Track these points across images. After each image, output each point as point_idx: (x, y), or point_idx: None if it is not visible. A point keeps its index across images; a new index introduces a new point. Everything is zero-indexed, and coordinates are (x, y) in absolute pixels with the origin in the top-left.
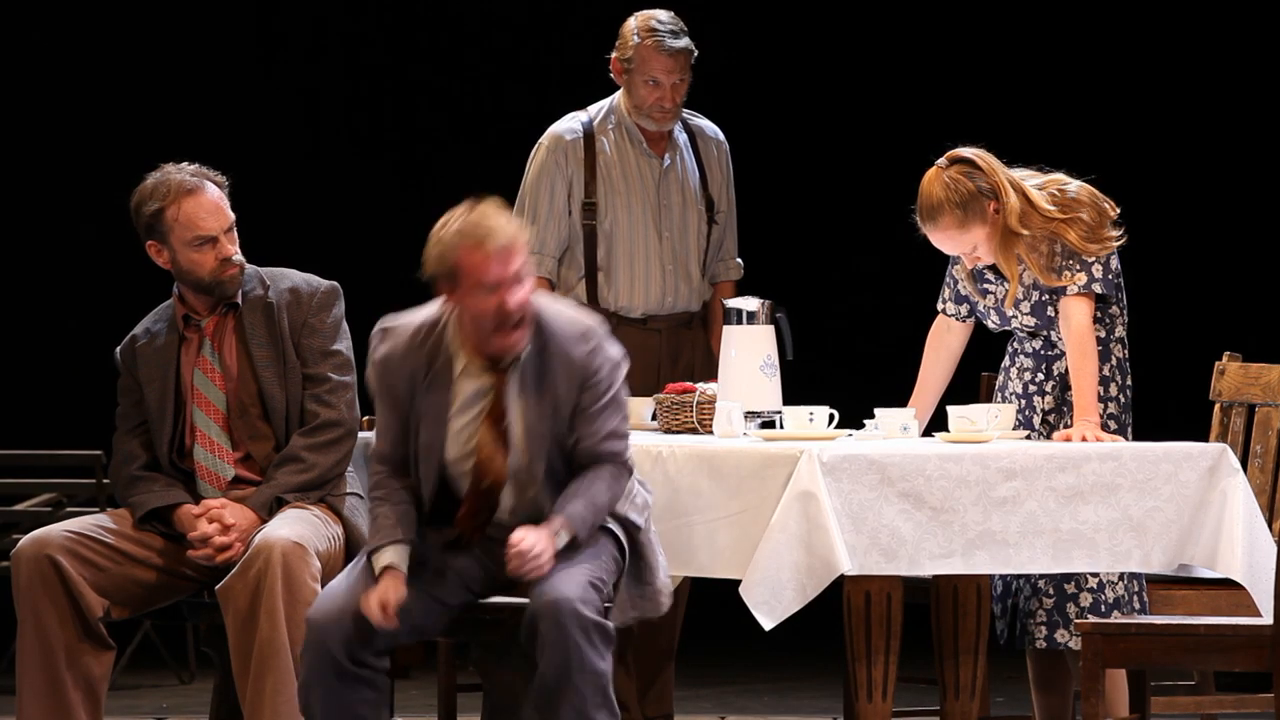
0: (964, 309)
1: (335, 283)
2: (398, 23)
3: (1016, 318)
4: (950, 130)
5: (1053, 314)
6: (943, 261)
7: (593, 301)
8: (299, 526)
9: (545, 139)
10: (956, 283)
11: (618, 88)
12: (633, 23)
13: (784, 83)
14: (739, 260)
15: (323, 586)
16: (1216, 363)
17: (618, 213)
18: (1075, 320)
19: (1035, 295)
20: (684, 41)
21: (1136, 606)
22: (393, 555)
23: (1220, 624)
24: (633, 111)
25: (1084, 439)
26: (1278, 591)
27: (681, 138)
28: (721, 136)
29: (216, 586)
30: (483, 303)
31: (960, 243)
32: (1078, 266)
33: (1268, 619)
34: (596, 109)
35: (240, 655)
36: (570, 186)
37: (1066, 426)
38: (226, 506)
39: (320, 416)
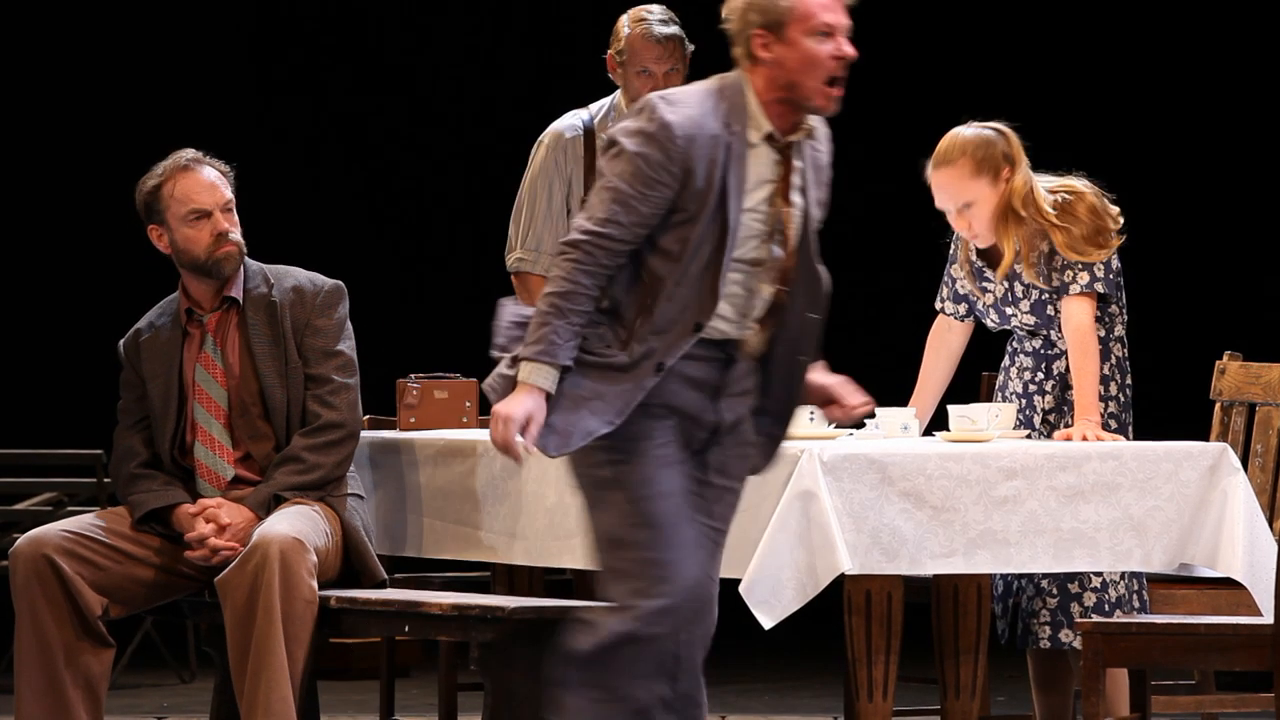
0: (963, 308)
1: (340, 282)
2: (401, 20)
3: (1016, 316)
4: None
5: (1053, 313)
6: (942, 260)
7: None
8: (298, 522)
9: (545, 137)
10: (955, 281)
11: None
12: (624, 17)
13: None
14: None
15: (320, 585)
16: (1217, 362)
17: None
18: (1077, 319)
19: (1035, 294)
20: (674, 29)
21: (1137, 605)
22: (552, 380)
23: (1220, 623)
24: (630, 105)
25: (1084, 438)
26: (1278, 591)
27: None
28: None
29: (216, 579)
30: (816, 48)
31: (963, 191)
32: (1080, 266)
33: (1268, 618)
34: (598, 106)
35: (237, 650)
36: (570, 184)
37: (1067, 426)
38: (223, 506)
39: (323, 418)
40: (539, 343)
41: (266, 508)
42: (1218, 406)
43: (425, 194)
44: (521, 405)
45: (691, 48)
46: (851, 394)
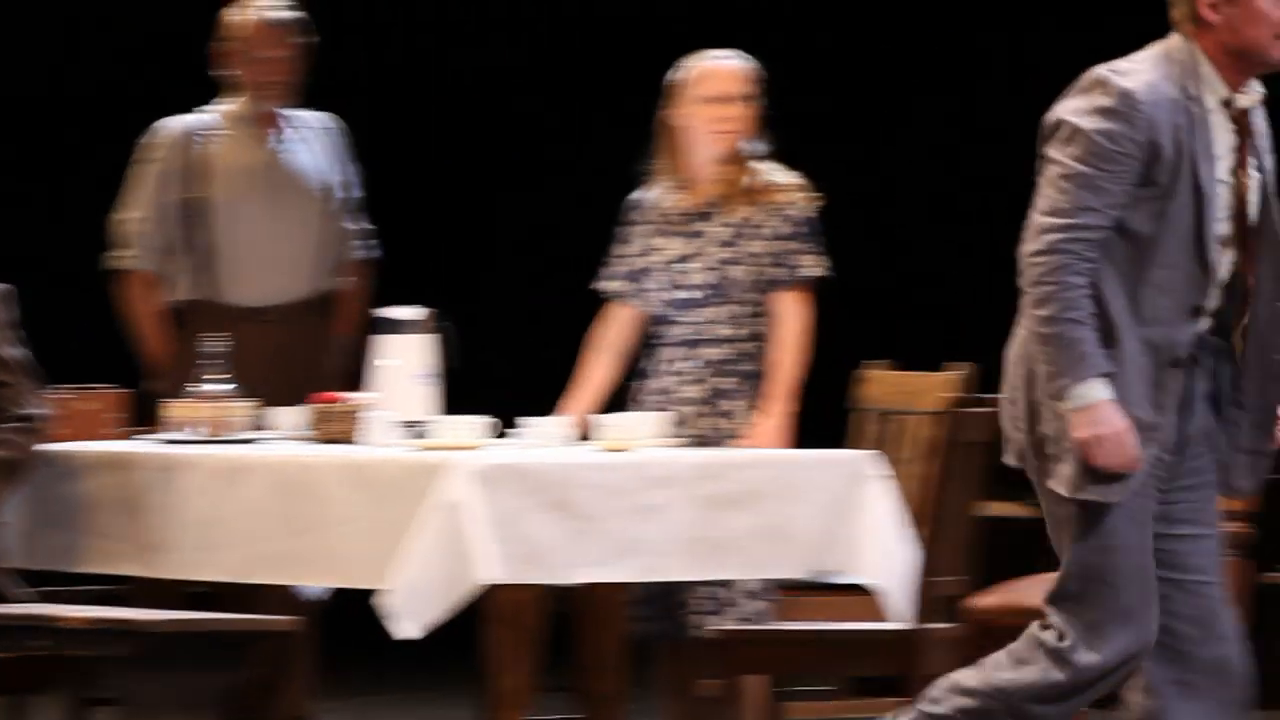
0: (631, 286)
1: (10, 286)
2: (405, 17)
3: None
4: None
5: (739, 275)
6: None
7: (206, 292)
8: None
9: (150, 132)
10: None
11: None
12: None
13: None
14: (371, 240)
15: None
16: None
17: (228, 203)
18: (803, 319)
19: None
20: (284, 14)
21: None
22: (1108, 388)
23: (853, 629)
24: (244, 93)
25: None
26: (920, 595)
27: (296, 124)
28: (332, 122)
29: None
30: (1270, 7)
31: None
32: (810, 248)
33: (900, 624)
34: (216, 103)
35: None
36: (174, 180)
37: (720, 416)
38: None
39: (13, 411)
40: (1077, 362)
41: None
42: None
43: (425, 191)
44: (1108, 423)
45: (316, 38)
46: None
